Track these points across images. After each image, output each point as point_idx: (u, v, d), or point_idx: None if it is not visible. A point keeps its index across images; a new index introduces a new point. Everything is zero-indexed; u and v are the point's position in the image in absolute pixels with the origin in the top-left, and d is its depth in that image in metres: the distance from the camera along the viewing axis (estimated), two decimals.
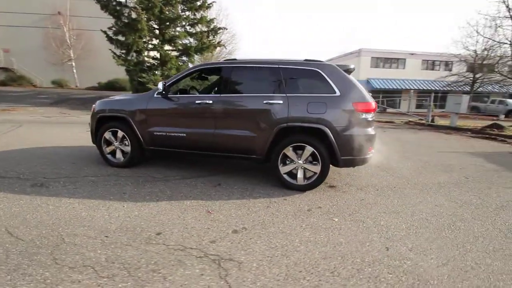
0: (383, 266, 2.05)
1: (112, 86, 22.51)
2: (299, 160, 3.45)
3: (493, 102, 22.35)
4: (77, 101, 16.08)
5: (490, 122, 11.27)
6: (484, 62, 19.73)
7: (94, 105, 4.37)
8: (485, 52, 18.74)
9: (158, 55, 16.43)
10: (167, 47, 16.50)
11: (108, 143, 4.24)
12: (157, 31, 16.21)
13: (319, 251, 2.22)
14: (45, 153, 4.91)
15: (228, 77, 3.69)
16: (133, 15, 14.95)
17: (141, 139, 4.00)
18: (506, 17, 10.95)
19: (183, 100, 3.88)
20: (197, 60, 19.09)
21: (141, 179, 3.75)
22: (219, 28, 17.44)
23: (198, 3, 16.26)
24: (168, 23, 15.95)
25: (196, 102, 3.73)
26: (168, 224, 2.56)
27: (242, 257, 2.09)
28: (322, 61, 3.57)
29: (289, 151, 3.45)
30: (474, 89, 22.44)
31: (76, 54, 24.15)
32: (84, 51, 23.60)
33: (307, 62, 3.54)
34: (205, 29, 17.22)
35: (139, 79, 15.19)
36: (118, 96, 4.53)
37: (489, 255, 2.25)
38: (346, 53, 31.29)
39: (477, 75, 21.88)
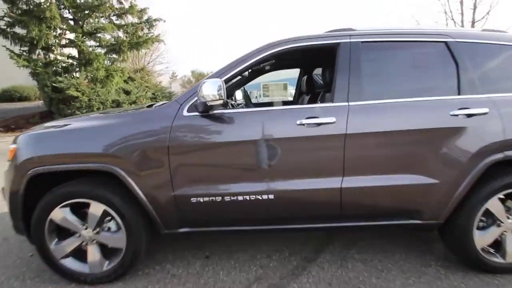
0: None
1: (9, 96, 16.67)
2: (510, 218, 1.78)
3: None
4: None
5: None
6: None
7: (13, 146, 1.84)
8: None
9: (76, 53, 12.57)
10: (89, 42, 12.74)
11: (61, 232, 1.81)
12: (72, 22, 12.35)
13: None
14: None
15: (356, 64, 1.75)
16: None
17: (156, 215, 1.73)
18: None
19: (257, 118, 1.76)
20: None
21: None
22: (155, 20, 14.37)
23: None
24: (87, 12, 12.26)
25: (298, 123, 1.68)
26: None
27: None
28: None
29: (493, 205, 1.75)
30: None
31: None
32: None
33: (497, 33, 1.89)
34: (136, 20, 14.00)
35: (53, 84, 11.19)
36: (74, 120, 2.00)
37: None
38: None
39: None
